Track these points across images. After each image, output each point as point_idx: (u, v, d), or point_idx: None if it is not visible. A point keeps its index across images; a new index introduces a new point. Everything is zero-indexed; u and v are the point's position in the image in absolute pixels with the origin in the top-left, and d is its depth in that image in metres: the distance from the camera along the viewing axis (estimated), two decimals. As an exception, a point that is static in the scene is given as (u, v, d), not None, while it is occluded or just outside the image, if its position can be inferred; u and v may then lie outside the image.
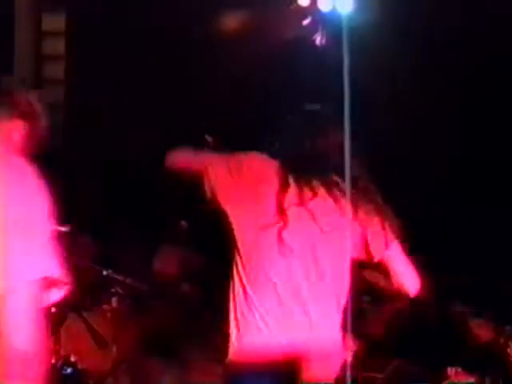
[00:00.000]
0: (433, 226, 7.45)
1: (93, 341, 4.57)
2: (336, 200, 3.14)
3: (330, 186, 3.15)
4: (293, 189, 3.09)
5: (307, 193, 3.10)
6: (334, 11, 7.04)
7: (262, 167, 3.16)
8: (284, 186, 3.08)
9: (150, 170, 9.23)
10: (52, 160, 9.63)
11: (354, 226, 3.15)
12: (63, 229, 5.19)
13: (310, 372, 3.15)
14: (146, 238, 9.13)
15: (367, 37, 7.48)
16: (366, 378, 5.36)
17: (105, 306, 6.66)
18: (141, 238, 9.18)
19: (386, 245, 3.19)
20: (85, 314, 4.72)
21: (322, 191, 3.13)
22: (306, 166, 3.16)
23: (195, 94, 9.28)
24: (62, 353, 4.80)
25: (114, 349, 4.83)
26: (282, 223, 3.07)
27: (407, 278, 3.23)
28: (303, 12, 7.16)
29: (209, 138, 3.86)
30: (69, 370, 4.58)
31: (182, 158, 3.44)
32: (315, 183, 3.13)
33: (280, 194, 3.07)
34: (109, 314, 4.85)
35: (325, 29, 7.10)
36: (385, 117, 8.37)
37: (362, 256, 3.23)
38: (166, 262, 8.52)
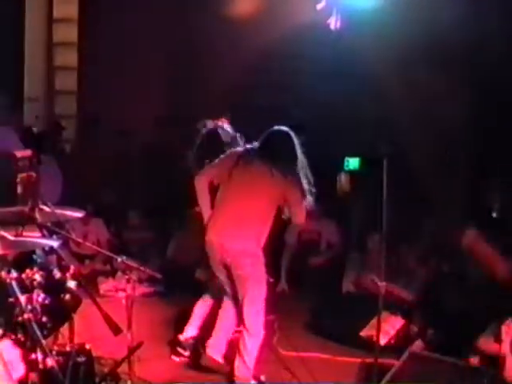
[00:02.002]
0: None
1: (107, 328, 4.52)
2: (263, 167, 5.58)
3: (262, 162, 5.60)
4: (241, 161, 5.65)
5: (246, 162, 5.65)
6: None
7: (230, 156, 5.76)
8: (237, 161, 5.66)
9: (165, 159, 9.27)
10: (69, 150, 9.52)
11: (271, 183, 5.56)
12: (78, 215, 5.17)
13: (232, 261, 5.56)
14: (157, 226, 9.13)
15: (381, 21, 7.42)
16: (383, 364, 5.32)
17: (119, 293, 6.65)
18: (153, 225, 9.17)
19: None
20: (99, 301, 4.67)
21: (257, 164, 5.62)
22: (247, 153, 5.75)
23: (207, 80, 9.25)
24: (77, 340, 4.77)
25: (129, 336, 4.78)
26: (233, 172, 5.64)
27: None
28: (317, -4, 7.10)
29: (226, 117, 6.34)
30: (83, 358, 4.54)
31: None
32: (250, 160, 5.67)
33: (235, 163, 5.66)
34: (123, 301, 4.78)
35: (339, 13, 7.02)
36: (400, 103, 8.33)
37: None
38: (180, 249, 8.53)
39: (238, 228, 5.57)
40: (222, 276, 5.78)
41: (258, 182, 5.60)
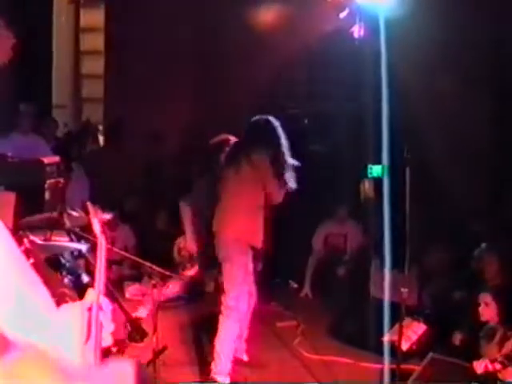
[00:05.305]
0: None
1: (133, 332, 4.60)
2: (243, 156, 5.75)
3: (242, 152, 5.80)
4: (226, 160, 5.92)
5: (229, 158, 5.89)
6: (371, 3, 7.01)
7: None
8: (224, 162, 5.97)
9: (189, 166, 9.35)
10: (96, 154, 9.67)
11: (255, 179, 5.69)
12: (106, 216, 5.27)
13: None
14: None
15: (404, 29, 7.45)
16: (405, 370, 5.36)
17: (145, 298, 6.75)
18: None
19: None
20: (125, 305, 4.75)
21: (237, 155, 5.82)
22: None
23: (235, 88, 9.32)
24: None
25: (154, 339, 4.86)
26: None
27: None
28: (340, 4, 7.13)
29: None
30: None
31: None
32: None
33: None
34: (149, 306, 4.87)
35: (362, 21, 7.06)
36: (422, 109, 8.34)
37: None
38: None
39: (229, 217, 5.75)
40: None
41: (240, 170, 5.74)
